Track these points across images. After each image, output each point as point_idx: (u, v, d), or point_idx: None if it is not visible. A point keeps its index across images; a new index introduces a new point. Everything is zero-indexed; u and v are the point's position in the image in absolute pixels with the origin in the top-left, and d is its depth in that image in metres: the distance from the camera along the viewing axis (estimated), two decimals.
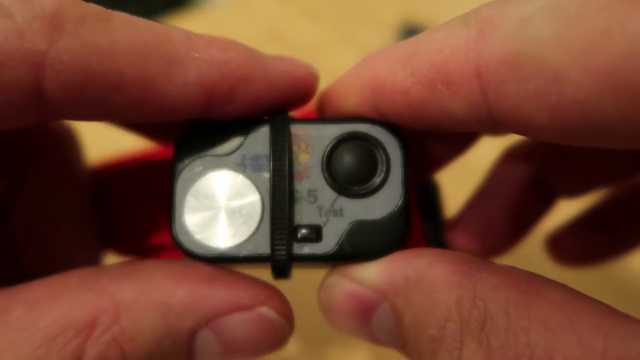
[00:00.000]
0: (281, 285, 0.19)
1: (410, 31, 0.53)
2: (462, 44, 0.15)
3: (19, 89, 0.15)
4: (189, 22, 0.58)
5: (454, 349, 0.15)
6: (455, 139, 0.22)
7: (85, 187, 0.24)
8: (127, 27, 0.16)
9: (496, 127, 0.16)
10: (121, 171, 0.24)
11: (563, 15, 0.13)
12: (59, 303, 0.15)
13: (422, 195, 0.23)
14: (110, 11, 0.16)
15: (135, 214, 0.22)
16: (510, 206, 0.24)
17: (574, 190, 0.25)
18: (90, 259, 0.24)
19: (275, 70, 0.18)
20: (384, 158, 0.18)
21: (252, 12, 0.59)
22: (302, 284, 0.27)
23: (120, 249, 0.24)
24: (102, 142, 0.26)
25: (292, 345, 0.34)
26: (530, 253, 0.37)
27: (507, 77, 0.14)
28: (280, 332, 0.18)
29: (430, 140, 0.22)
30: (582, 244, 0.27)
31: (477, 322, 0.15)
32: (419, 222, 0.22)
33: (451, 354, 0.15)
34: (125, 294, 0.16)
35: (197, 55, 0.16)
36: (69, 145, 0.23)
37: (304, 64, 0.19)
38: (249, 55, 0.17)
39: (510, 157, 0.25)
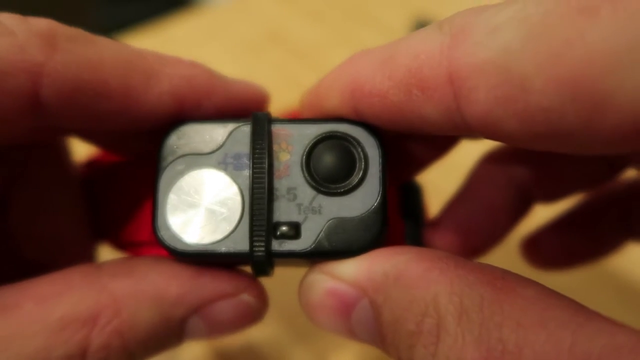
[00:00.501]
0: (273, 282, 0.20)
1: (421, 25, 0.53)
2: (436, 50, 0.16)
3: (20, 95, 0.17)
4: (189, 22, 0.58)
5: (430, 344, 0.16)
6: (436, 141, 0.22)
7: (77, 182, 0.25)
8: (110, 46, 0.18)
9: (468, 131, 0.16)
10: (111, 167, 0.24)
11: (529, 25, 0.14)
12: (65, 299, 0.17)
13: (403, 196, 0.24)
14: (93, 35, 0.18)
15: (125, 209, 0.22)
16: (488, 208, 0.25)
17: (551, 195, 0.25)
18: (86, 252, 0.25)
19: (234, 87, 0.20)
20: (362, 157, 0.18)
21: (252, 12, 0.60)
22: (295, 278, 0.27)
23: (113, 243, 0.24)
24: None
25: (285, 340, 0.35)
26: (513, 255, 0.37)
27: (477, 84, 0.15)
28: (256, 312, 0.20)
29: (410, 141, 0.22)
30: (557, 247, 0.27)
31: (452, 318, 0.15)
32: (399, 223, 0.23)
33: (427, 348, 0.16)
34: (124, 289, 0.18)
35: (168, 70, 0.19)
36: (59, 141, 0.24)
37: (258, 85, 0.22)
38: (211, 74, 0.20)
39: (489, 160, 0.25)
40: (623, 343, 0.13)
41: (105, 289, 0.17)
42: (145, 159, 0.22)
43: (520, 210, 0.25)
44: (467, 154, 0.27)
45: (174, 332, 0.18)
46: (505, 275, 0.16)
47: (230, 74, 0.21)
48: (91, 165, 0.25)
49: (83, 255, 0.19)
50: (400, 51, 0.17)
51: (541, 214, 0.28)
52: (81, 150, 0.26)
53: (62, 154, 0.25)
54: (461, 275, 0.16)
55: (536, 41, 0.14)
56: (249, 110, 0.20)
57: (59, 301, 0.17)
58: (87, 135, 0.23)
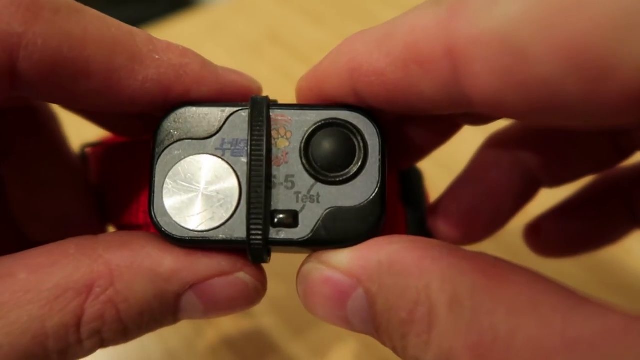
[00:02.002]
0: (268, 276, 0.20)
1: None
2: (433, 23, 0.15)
3: None
4: (189, 22, 0.58)
5: (422, 332, 0.16)
6: (436, 126, 0.22)
7: (75, 161, 0.25)
8: (97, 21, 0.17)
9: (469, 107, 0.16)
10: (112, 148, 0.24)
11: None
12: (59, 268, 0.17)
13: (404, 182, 0.24)
14: (82, 5, 0.17)
15: (124, 192, 0.22)
16: (492, 192, 0.25)
17: (557, 178, 0.25)
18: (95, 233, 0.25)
19: (225, 78, 0.19)
20: (361, 146, 0.18)
21: (252, 12, 0.59)
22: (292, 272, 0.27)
23: (114, 225, 0.24)
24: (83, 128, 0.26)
25: (282, 334, 0.35)
26: (515, 244, 0.37)
27: (475, 55, 0.14)
28: (254, 293, 0.19)
29: (410, 126, 0.22)
30: (560, 234, 0.27)
31: (444, 305, 0.15)
32: (401, 209, 0.23)
33: (420, 337, 0.16)
34: (119, 261, 0.17)
35: (157, 56, 0.18)
36: (47, 118, 0.24)
37: (250, 77, 0.21)
38: (202, 63, 0.19)
39: (493, 143, 0.25)
40: (614, 326, 0.14)
41: (100, 259, 0.17)
42: (143, 140, 0.22)
43: (525, 193, 0.25)
44: (462, 152, 0.27)
45: (168, 307, 0.18)
46: (497, 262, 0.16)
47: None
48: (96, 146, 0.25)
49: (89, 231, 0.19)
50: (397, 28, 0.16)
51: (545, 201, 0.27)
52: (83, 130, 0.26)
53: (53, 131, 0.24)
54: (453, 264, 0.16)
55: (535, 8, 0.13)
56: (239, 101, 0.20)
57: (53, 270, 0.17)
58: (74, 110, 0.22)
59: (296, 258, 0.22)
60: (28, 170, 0.24)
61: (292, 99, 0.22)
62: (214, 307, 0.19)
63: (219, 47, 0.56)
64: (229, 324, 0.35)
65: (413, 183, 0.24)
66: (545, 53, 0.13)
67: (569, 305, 0.14)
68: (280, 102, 0.19)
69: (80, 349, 0.17)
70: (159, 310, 0.18)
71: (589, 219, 0.27)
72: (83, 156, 0.25)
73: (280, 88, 0.21)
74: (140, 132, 0.23)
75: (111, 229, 0.25)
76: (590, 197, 0.27)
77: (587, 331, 0.14)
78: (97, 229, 0.25)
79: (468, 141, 0.26)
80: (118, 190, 0.22)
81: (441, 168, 0.27)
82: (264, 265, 0.20)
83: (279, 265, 0.20)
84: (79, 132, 0.26)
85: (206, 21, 0.59)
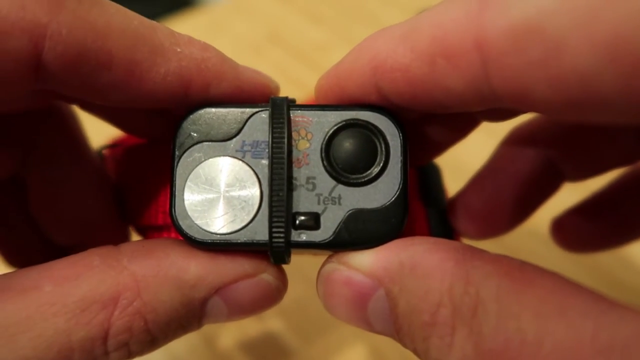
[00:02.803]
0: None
1: None
2: (462, 16, 0.15)
3: (21, 57, 0.16)
4: (189, 22, 0.58)
5: (445, 334, 0.15)
6: (455, 122, 0.22)
7: (95, 163, 0.25)
8: (119, 13, 0.17)
9: (496, 102, 0.15)
10: (131, 149, 0.24)
11: None
12: (84, 280, 0.17)
13: (422, 178, 0.23)
14: None
15: (144, 193, 0.22)
16: (514, 185, 0.24)
17: (581, 172, 0.25)
18: (119, 236, 0.25)
19: (244, 75, 0.19)
20: (383, 147, 0.18)
21: (253, 12, 0.59)
22: (304, 281, 0.27)
23: (134, 227, 0.24)
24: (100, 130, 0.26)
25: (291, 339, 0.34)
26: (528, 244, 0.37)
27: (507, 47, 0.14)
28: (276, 292, 0.19)
29: (430, 123, 0.21)
30: (585, 230, 0.27)
31: (468, 309, 0.15)
32: (420, 206, 0.22)
33: (443, 339, 0.15)
34: (144, 271, 0.17)
35: (179, 49, 0.18)
36: (68, 119, 0.24)
37: (268, 75, 0.21)
38: (223, 58, 0.19)
39: (516, 136, 0.25)
40: None
41: (126, 270, 0.17)
42: (163, 141, 0.21)
43: (548, 187, 0.25)
44: (469, 149, 0.27)
45: (194, 313, 0.18)
46: (522, 266, 0.16)
47: None
48: (114, 147, 0.25)
49: (116, 240, 0.19)
50: (423, 23, 0.16)
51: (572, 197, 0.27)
52: (102, 132, 0.25)
53: (74, 133, 0.24)
54: (477, 266, 0.16)
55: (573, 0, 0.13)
56: (257, 100, 0.19)
57: (78, 283, 0.16)
58: (93, 109, 0.22)
59: (308, 260, 0.22)
60: (50, 172, 0.23)
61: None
62: (239, 309, 0.19)
63: (219, 47, 0.55)
64: (236, 328, 0.35)
65: (432, 179, 0.24)
66: (583, 46, 0.13)
67: (599, 309, 0.14)
68: None
69: None
70: (186, 317, 0.18)
71: (615, 215, 0.26)
72: (100, 158, 0.25)
73: (280, 88, 0.21)
74: (158, 132, 0.22)
75: (131, 231, 0.25)
76: (617, 193, 0.26)
77: (620, 336, 0.13)
78: (119, 230, 0.25)
79: (474, 139, 0.26)
80: (136, 191, 0.22)
81: (448, 167, 0.27)
82: None
83: (288, 271, 0.20)
84: (96, 134, 0.26)
85: (206, 21, 0.58)
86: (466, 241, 0.25)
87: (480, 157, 0.26)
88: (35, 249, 0.25)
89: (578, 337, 0.14)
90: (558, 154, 0.24)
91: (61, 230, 0.25)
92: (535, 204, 0.25)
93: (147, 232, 0.22)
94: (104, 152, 0.25)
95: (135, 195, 0.23)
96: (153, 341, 0.17)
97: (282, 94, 0.21)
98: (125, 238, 0.25)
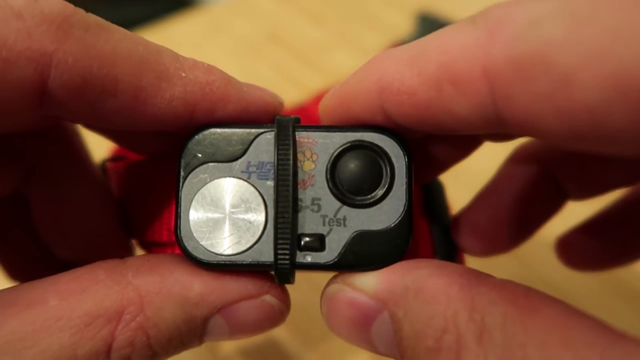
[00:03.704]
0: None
1: (427, 20, 0.53)
2: (471, 43, 0.15)
3: (26, 86, 0.16)
4: (189, 22, 0.58)
5: None
6: (459, 141, 0.22)
7: (98, 178, 0.25)
8: (125, 38, 0.17)
9: (502, 128, 0.16)
10: (135, 164, 0.24)
11: (574, 16, 0.13)
12: (90, 295, 0.17)
13: (426, 195, 0.23)
14: (110, 23, 0.17)
15: (149, 208, 0.22)
16: (518, 203, 0.24)
17: (584, 192, 0.25)
18: (122, 251, 0.25)
19: (250, 95, 0.19)
20: (388, 169, 0.18)
21: (252, 12, 0.59)
22: (307, 286, 0.27)
23: (138, 242, 0.24)
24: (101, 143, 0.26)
25: (294, 344, 0.35)
26: (532, 260, 0.37)
27: (515, 77, 0.14)
28: (279, 314, 0.19)
29: (434, 142, 0.22)
30: (590, 248, 0.27)
31: (473, 336, 0.15)
32: (424, 223, 0.23)
33: None
34: (148, 286, 0.17)
35: (183, 74, 0.18)
36: (71, 136, 0.24)
37: (272, 92, 0.20)
38: (228, 80, 0.19)
39: (520, 154, 0.25)
40: None
41: (130, 285, 0.17)
42: (167, 156, 0.21)
43: (552, 205, 0.25)
44: (479, 163, 0.27)
45: (195, 331, 0.18)
46: (528, 293, 0.15)
47: (230, 73, 0.20)
48: (117, 160, 0.25)
49: (119, 255, 0.19)
50: (431, 47, 0.16)
51: (577, 214, 0.27)
52: (104, 145, 0.25)
53: (77, 148, 0.24)
54: (483, 292, 0.16)
55: (583, 32, 0.13)
56: (262, 119, 0.19)
57: (84, 297, 0.17)
58: (97, 129, 0.22)
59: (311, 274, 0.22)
60: (53, 188, 0.24)
61: (292, 99, 0.21)
62: (240, 329, 0.19)
63: (219, 47, 0.56)
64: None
65: (435, 196, 0.24)
66: (592, 80, 0.13)
67: (606, 341, 0.14)
68: (281, 101, 0.19)
69: None
70: (187, 334, 0.18)
71: (620, 234, 0.26)
72: (103, 171, 0.25)
73: (280, 88, 0.21)
74: (162, 149, 0.22)
75: (134, 244, 0.25)
76: (621, 211, 0.26)
77: None
78: (123, 244, 0.25)
79: (482, 153, 0.26)
80: (140, 206, 0.22)
81: (454, 179, 0.27)
82: None
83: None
84: (98, 146, 0.26)
85: (206, 21, 0.58)
86: (471, 259, 0.26)
87: (487, 166, 0.26)
88: (38, 263, 0.25)
89: None
90: (562, 173, 0.24)
91: (64, 245, 0.25)
92: (539, 222, 0.25)
93: (152, 247, 0.22)
94: (107, 164, 0.25)
95: (139, 211, 0.23)
96: (154, 356, 0.18)
97: (282, 93, 0.21)
98: (128, 252, 0.25)
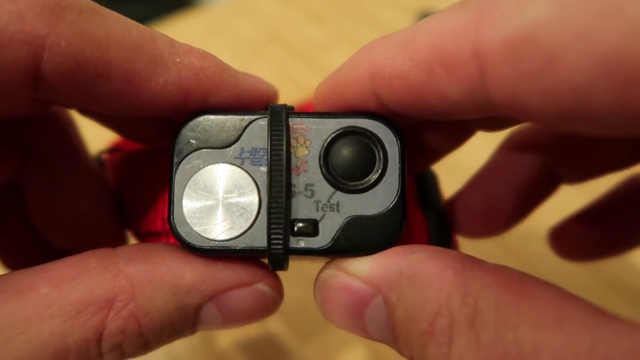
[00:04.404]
0: (281, 274, 0.20)
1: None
2: (461, 26, 0.15)
3: (19, 68, 0.16)
4: (189, 22, 0.58)
5: (443, 343, 0.15)
6: (452, 129, 0.22)
7: (93, 167, 0.25)
8: (119, 23, 0.17)
9: (492, 111, 0.16)
10: (130, 154, 0.24)
11: None
12: (81, 282, 0.17)
13: (420, 185, 0.24)
14: (103, 7, 0.17)
15: (142, 198, 0.22)
16: (512, 186, 0.24)
17: (578, 175, 0.25)
18: (116, 240, 0.25)
19: (244, 83, 0.19)
20: (381, 154, 0.18)
21: (252, 12, 0.59)
22: (302, 279, 0.27)
23: (132, 232, 0.24)
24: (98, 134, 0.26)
25: (290, 339, 0.35)
26: (527, 255, 0.37)
27: (504, 58, 0.14)
28: (272, 303, 0.19)
29: (427, 131, 0.22)
30: (583, 238, 0.27)
31: (466, 319, 0.15)
32: (420, 213, 0.23)
33: (440, 348, 0.15)
34: (140, 275, 0.17)
35: (178, 59, 0.18)
36: (66, 125, 0.24)
37: (267, 82, 0.21)
38: (223, 67, 0.19)
39: (514, 139, 0.25)
40: None
41: (122, 273, 0.17)
42: (162, 147, 0.21)
43: (546, 188, 0.25)
44: (472, 157, 0.27)
45: (188, 319, 0.18)
46: (521, 277, 0.16)
47: None
48: (113, 152, 0.25)
49: (113, 244, 0.19)
50: (422, 31, 0.16)
51: (571, 205, 0.27)
52: (101, 137, 0.25)
53: (71, 137, 0.24)
54: (476, 276, 0.16)
55: (570, 13, 0.13)
56: (256, 107, 0.19)
57: (75, 285, 0.17)
58: (91, 115, 0.22)
59: (306, 265, 0.22)
60: (48, 177, 0.24)
61: (292, 99, 0.21)
62: (233, 318, 0.19)
63: (219, 47, 0.56)
64: (235, 329, 0.35)
65: (429, 185, 0.24)
66: (578, 59, 0.13)
67: (597, 322, 0.14)
68: (282, 102, 0.19)
69: None
70: (179, 323, 0.18)
71: (613, 224, 0.26)
72: (99, 162, 0.25)
73: (280, 88, 0.21)
74: (157, 137, 0.22)
75: (129, 235, 0.25)
76: (615, 202, 0.26)
77: (617, 350, 0.13)
78: (117, 234, 0.25)
79: (473, 142, 0.26)
80: (135, 197, 0.22)
81: (447, 170, 0.27)
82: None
83: (287, 271, 0.20)
84: (95, 139, 0.26)
85: (206, 21, 0.58)
86: (466, 241, 0.26)
87: (478, 160, 0.26)
88: (32, 252, 0.25)
89: (575, 350, 0.14)
90: (555, 157, 0.24)
91: (59, 234, 0.25)
92: (533, 205, 0.26)
93: (146, 237, 0.22)
94: (103, 156, 0.25)
95: (134, 201, 0.23)
96: (146, 344, 0.18)
97: (282, 93, 0.21)
98: (122, 242, 0.25)
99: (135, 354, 0.18)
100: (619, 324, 0.14)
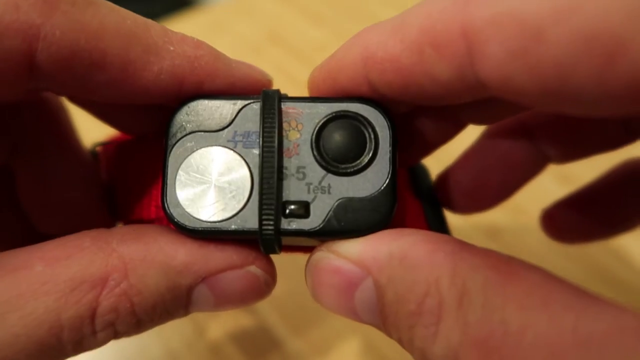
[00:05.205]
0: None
1: None
2: (449, 6, 0.15)
3: (15, 58, 0.16)
4: (189, 22, 0.58)
5: (431, 324, 0.16)
6: (443, 120, 0.22)
7: (84, 158, 0.25)
8: (112, 13, 0.17)
9: (481, 92, 0.16)
10: (121, 146, 0.24)
11: None
12: (75, 261, 0.17)
13: (413, 177, 0.24)
14: None
15: (133, 188, 0.22)
16: (501, 164, 0.25)
17: (565, 155, 0.25)
18: (102, 225, 0.25)
19: (238, 71, 0.20)
20: (372, 137, 0.18)
21: (252, 12, 0.59)
22: (295, 272, 0.27)
23: (128, 222, 0.24)
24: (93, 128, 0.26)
25: (282, 331, 0.34)
26: (527, 243, 0.37)
27: (491, 36, 0.14)
28: (264, 286, 0.20)
29: (419, 121, 0.22)
30: (575, 221, 0.27)
31: (454, 299, 0.15)
32: (416, 203, 0.23)
33: (428, 328, 0.16)
34: (132, 254, 0.17)
35: (172, 48, 0.18)
36: (58, 112, 0.24)
37: (261, 70, 0.21)
38: (216, 55, 0.19)
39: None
40: (627, 324, 0.14)
41: (115, 253, 0.17)
42: (152, 137, 0.22)
43: (534, 167, 0.25)
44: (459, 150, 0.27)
45: (180, 300, 0.18)
46: (510, 260, 0.16)
47: None
48: (105, 145, 0.25)
49: (98, 223, 0.20)
50: (412, 15, 0.17)
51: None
52: (96, 129, 0.26)
53: (63, 124, 0.25)
54: (465, 259, 0.16)
55: None
56: (250, 93, 0.20)
57: (69, 263, 0.17)
58: (87, 106, 0.22)
59: (300, 257, 0.22)
60: (38, 161, 0.24)
61: None
62: (225, 300, 0.19)
63: (219, 47, 0.55)
64: (230, 321, 0.35)
65: (421, 178, 0.24)
66: (561, 36, 0.13)
67: (581, 303, 0.14)
68: None
69: (94, 341, 0.17)
70: (172, 303, 0.18)
71: (605, 207, 0.27)
72: (94, 155, 0.25)
73: (280, 88, 0.21)
74: (148, 128, 0.23)
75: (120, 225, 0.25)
76: (608, 185, 0.27)
77: (600, 329, 0.14)
78: (104, 221, 0.25)
79: (465, 139, 0.26)
80: (130, 186, 0.22)
81: (438, 164, 0.27)
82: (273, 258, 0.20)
83: (280, 263, 0.20)
84: (89, 132, 0.26)
85: (206, 21, 0.59)
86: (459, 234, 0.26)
87: None
88: (18, 236, 0.25)
89: (559, 329, 0.14)
90: (543, 136, 0.25)
91: (47, 218, 0.25)
92: (521, 182, 0.26)
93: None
94: (97, 149, 0.25)
95: (128, 191, 0.23)
96: (138, 323, 0.18)
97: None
98: (108, 226, 0.26)
99: (128, 333, 0.18)
100: (603, 305, 0.14)
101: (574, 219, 0.27)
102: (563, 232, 0.28)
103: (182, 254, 0.18)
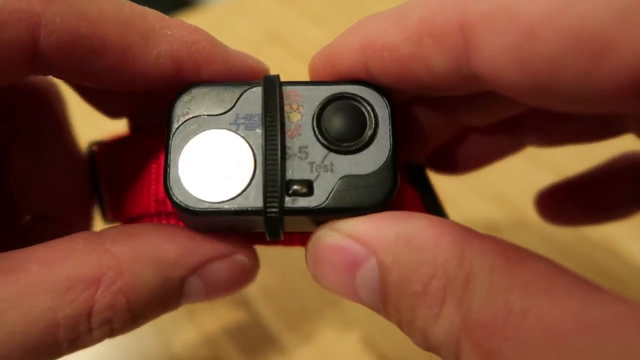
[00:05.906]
0: (263, 269, 0.21)
1: None
2: (449, 0, 0.16)
3: (18, 45, 0.17)
4: (190, 22, 0.58)
5: (434, 305, 0.16)
6: (440, 114, 0.23)
7: (73, 147, 0.26)
8: (111, 1, 0.18)
9: (476, 84, 0.16)
10: (113, 144, 0.24)
11: None
12: (70, 262, 0.17)
13: (411, 172, 0.24)
14: None
15: (124, 186, 0.22)
16: (480, 140, 0.26)
17: (541, 141, 0.26)
18: (83, 209, 0.26)
19: (234, 58, 0.20)
20: (372, 116, 0.19)
21: (253, 12, 0.60)
22: (291, 268, 0.27)
23: (118, 220, 0.24)
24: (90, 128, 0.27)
25: (277, 326, 0.35)
26: (526, 240, 0.37)
27: (486, 30, 0.15)
28: (250, 272, 0.21)
29: (415, 109, 0.22)
30: (569, 205, 0.28)
31: (460, 282, 0.15)
32: (415, 194, 0.23)
33: (431, 309, 0.16)
34: (126, 253, 0.18)
35: (169, 33, 0.19)
36: (55, 100, 0.25)
37: (258, 59, 0.21)
38: (213, 41, 0.20)
39: None
40: (628, 312, 0.14)
41: (108, 252, 0.18)
42: (149, 133, 0.22)
43: (510, 147, 0.27)
44: None
45: (173, 292, 0.19)
46: (517, 248, 0.16)
47: None
48: (102, 144, 0.25)
49: (80, 212, 0.20)
50: (413, 6, 0.17)
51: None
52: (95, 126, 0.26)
53: (59, 111, 0.25)
54: (473, 244, 0.16)
55: None
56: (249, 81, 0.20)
57: (63, 264, 0.17)
58: (85, 94, 0.23)
59: (294, 251, 0.22)
60: (32, 148, 0.24)
61: None
62: (215, 289, 0.20)
63: None
64: (224, 315, 0.35)
65: (419, 171, 0.25)
66: (551, 34, 0.14)
67: (584, 291, 0.15)
68: None
69: (90, 338, 0.18)
70: (166, 297, 0.19)
71: (599, 194, 0.27)
72: (90, 153, 0.25)
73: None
74: (149, 119, 0.23)
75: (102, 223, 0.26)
76: (604, 174, 0.27)
77: (602, 316, 0.14)
78: (86, 210, 0.26)
79: None
80: (128, 183, 0.22)
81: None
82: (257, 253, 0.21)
83: (274, 258, 0.20)
84: (86, 131, 0.27)
85: (206, 21, 0.59)
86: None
87: None
88: (4, 218, 0.26)
89: (562, 314, 0.14)
90: (523, 124, 0.26)
91: (32, 202, 0.25)
92: (493, 158, 0.27)
93: (140, 221, 0.22)
94: (94, 148, 0.25)
95: (127, 188, 0.23)
96: (134, 319, 0.18)
97: None
98: (89, 218, 0.26)
99: (124, 330, 0.18)
100: (605, 294, 0.14)
101: (568, 203, 0.28)
102: (555, 214, 0.29)
103: (173, 248, 0.19)
